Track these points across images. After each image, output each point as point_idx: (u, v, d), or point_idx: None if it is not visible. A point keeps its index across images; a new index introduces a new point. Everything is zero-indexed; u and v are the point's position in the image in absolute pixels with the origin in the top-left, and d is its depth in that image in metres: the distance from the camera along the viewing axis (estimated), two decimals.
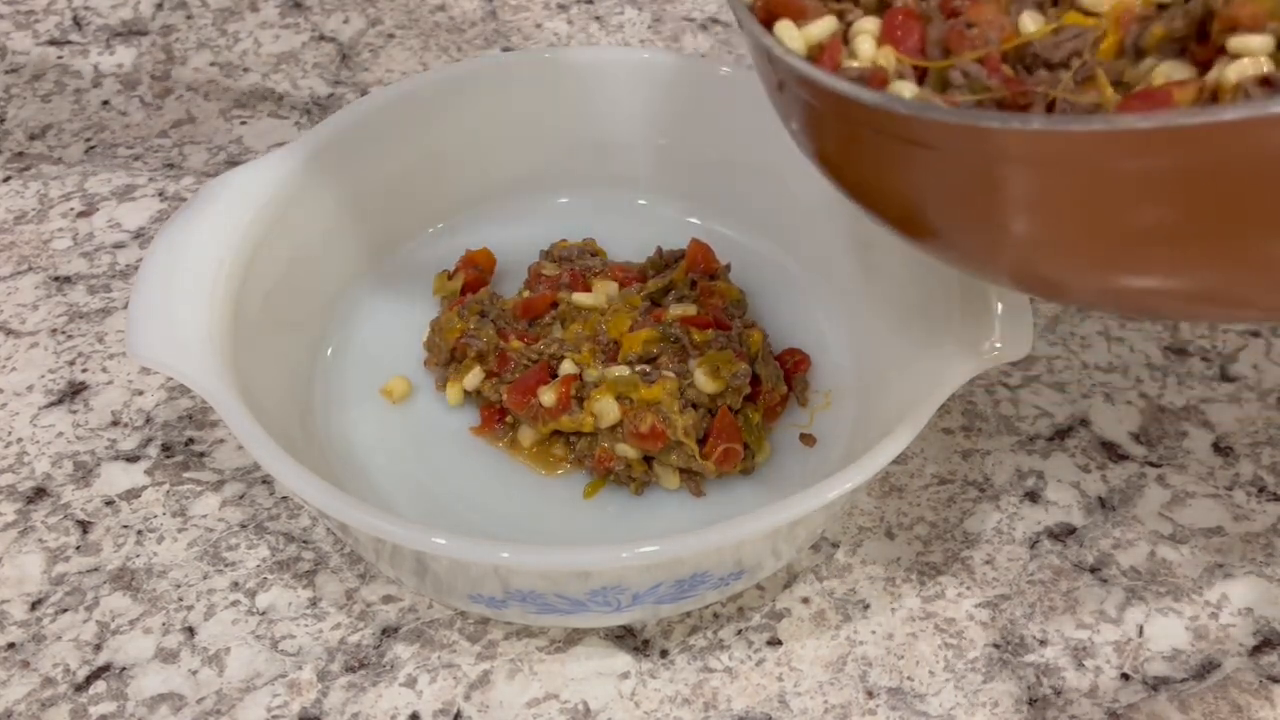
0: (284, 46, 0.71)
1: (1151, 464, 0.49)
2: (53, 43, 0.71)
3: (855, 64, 0.35)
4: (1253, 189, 0.27)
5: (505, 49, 0.70)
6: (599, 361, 0.47)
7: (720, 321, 0.48)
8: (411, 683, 0.42)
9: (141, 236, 0.59)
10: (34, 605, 0.44)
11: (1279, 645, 0.43)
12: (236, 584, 0.44)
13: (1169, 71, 0.32)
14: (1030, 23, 0.35)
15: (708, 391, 0.45)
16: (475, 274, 0.52)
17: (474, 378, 0.47)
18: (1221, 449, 0.49)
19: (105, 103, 0.67)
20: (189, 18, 0.73)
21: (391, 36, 0.72)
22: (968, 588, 0.44)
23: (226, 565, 0.45)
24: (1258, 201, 0.27)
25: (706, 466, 0.45)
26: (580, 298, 0.49)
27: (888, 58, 0.34)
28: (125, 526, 0.46)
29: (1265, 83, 0.30)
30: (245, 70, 0.69)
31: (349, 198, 0.51)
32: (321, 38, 0.72)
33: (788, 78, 0.34)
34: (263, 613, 0.44)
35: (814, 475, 0.44)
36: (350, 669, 0.42)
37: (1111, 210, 0.29)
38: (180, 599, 0.44)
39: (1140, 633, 0.43)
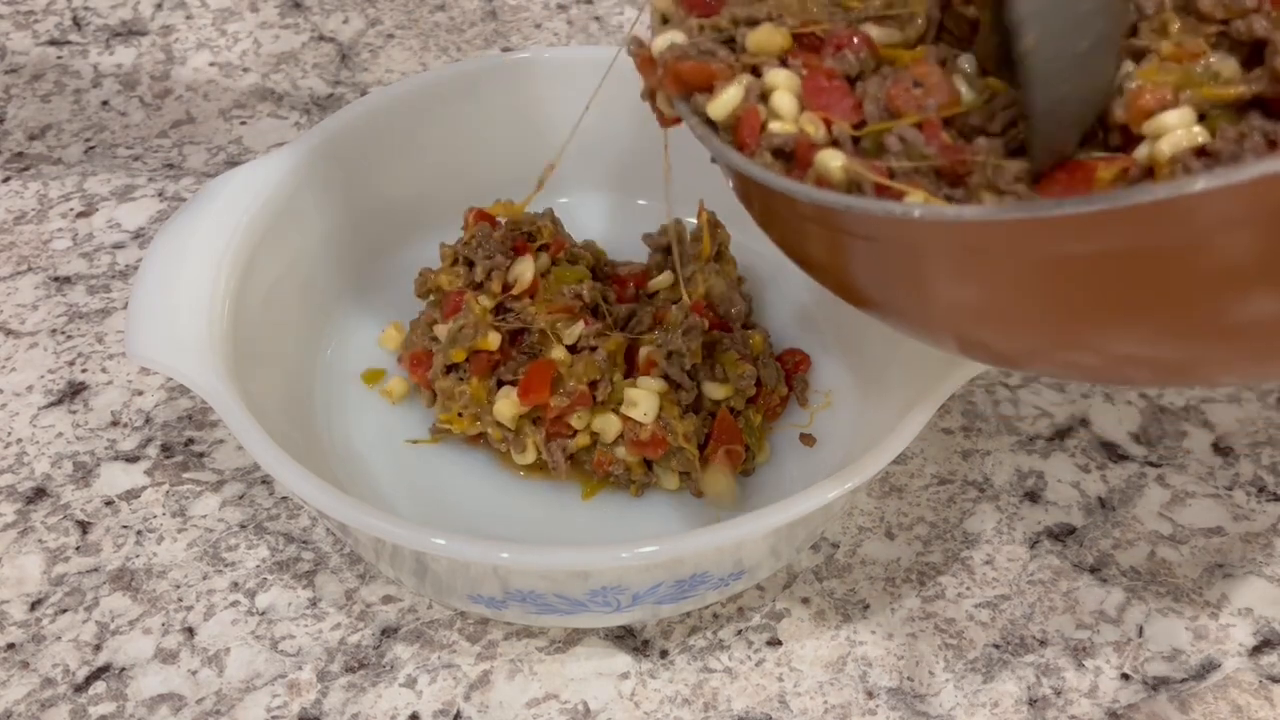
0: (284, 47, 0.71)
1: (1151, 464, 0.49)
2: (52, 43, 0.71)
3: (778, 128, 0.33)
4: (1204, 262, 0.26)
5: (505, 49, 0.70)
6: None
7: (721, 324, 0.48)
8: (411, 683, 0.42)
9: (141, 237, 0.59)
10: (33, 605, 0.44)
11: (1279, 645, 0.43)
12: (236, 584, 0.44)
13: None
14: (965, 90, 0.33)
15: (716, 398, 0.45)
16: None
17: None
18: (1221, 449, 0.49)
19: (105, 103, 0.67)
20: (188, 18, 0.73)
21: (391, 37, 0.72)
22: (968, 588, 0.44)
23: (226, 565, 0.45)
24: (1208, 274, 0.26)
25: (704, 480, 0.45)
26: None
27: (813, 121, 0.33)
28: (125, 527, 0.46)
29: (1202, 153, 0.29)
30: (245, 70, 0.69)
31: (349, 197, 0.51)
32: (321, 38, 0.72)
33: (715, 155, 0.34)
34: (262, 613, 0.44)
35: (814, 475, 0.44)
36: (350, 669, 0.42)
37: (1057, 290, 0.28)
38: (180, 599, 0.44)
39: (1140, 633, 0.43)
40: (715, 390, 0.45)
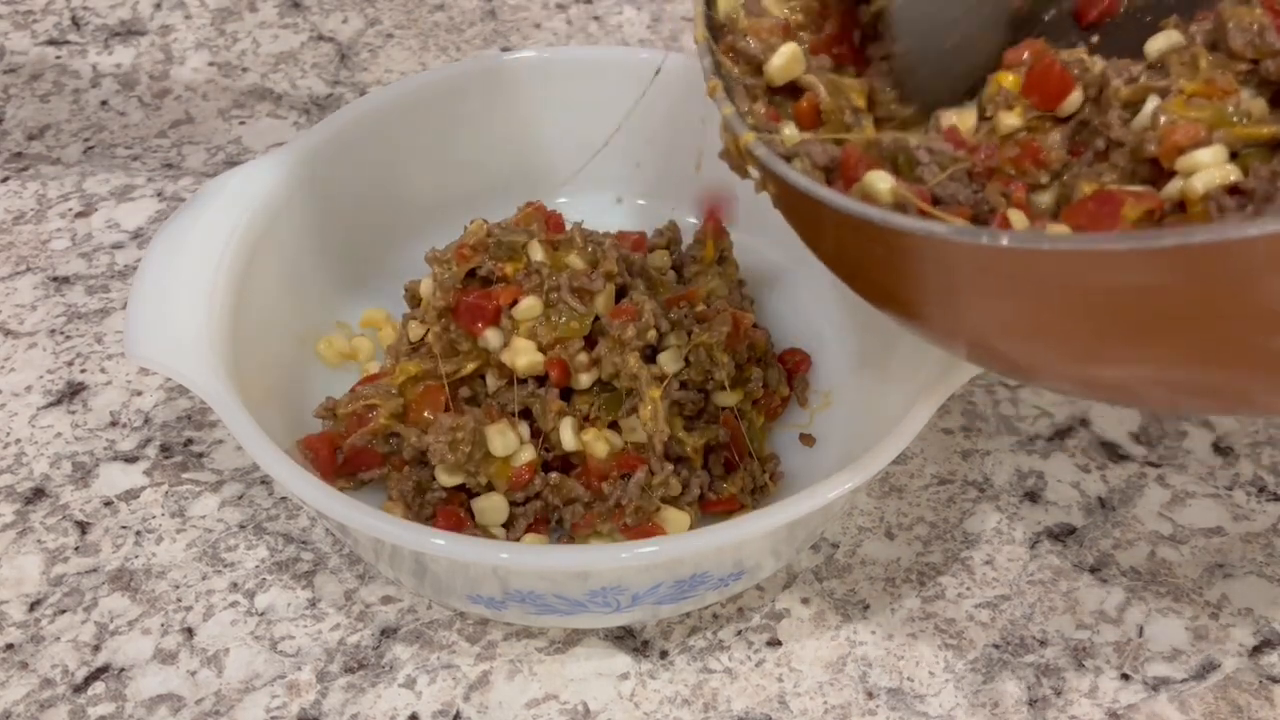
0: (282, 46, 0.71)
1: (1151, 464, 0.49)
2: (51, 43, 0.71)
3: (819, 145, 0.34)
4: (1242, 302, 0.25)
5: (504, 49, 0.70)
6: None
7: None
8: (411, 683, 0.41)
9: (140, 237, 0.59)
10: (32, 606, 0.44)
11: (1279, 645, 0.43)
12: (235, 585, 0.44)
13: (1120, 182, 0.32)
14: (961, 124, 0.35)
15: (727, 405, 0.45)
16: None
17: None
18: (1221, 449, 0.49)
19: (104, 103, 0.67)
20: (187, 18, 0.72)
21: (390, 36, 0.72)
22: (968, 588, 0.44)
23: (225, 566, 0.45)
24: (1248, 311, 0.26)
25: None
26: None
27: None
28: (124, 527, 0.46)
29: (1235, 190, 0.29)
30: (244, 70, 0.69)
31: (348, 197, 0.51)
32: (320, 38, 0.72)
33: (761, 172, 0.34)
34: (262, 613, 0.44)
35: (814, 475, 0.44)
36: (349, 670, 0.42)
37: (1092, 316, 0.28)
38: (179, 600, 0.44)
39: (1140, 633, 0.43)
40: (725, 397, 0.45)
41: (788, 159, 0.33)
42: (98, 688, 0.41)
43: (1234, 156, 0.30)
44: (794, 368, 0.49)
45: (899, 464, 0.48)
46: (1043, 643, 0.43)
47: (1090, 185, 0.33)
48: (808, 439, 0.47)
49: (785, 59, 0.36)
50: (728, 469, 0.45)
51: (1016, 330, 0.30)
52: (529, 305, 0.44)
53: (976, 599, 0.44)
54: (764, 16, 0.37)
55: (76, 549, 0.46)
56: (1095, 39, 0.39)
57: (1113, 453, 0.49)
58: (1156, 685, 0.42)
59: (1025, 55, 0.38)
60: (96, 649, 0.42)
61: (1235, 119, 0.31)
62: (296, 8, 0.74)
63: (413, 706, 0.41)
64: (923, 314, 0.33)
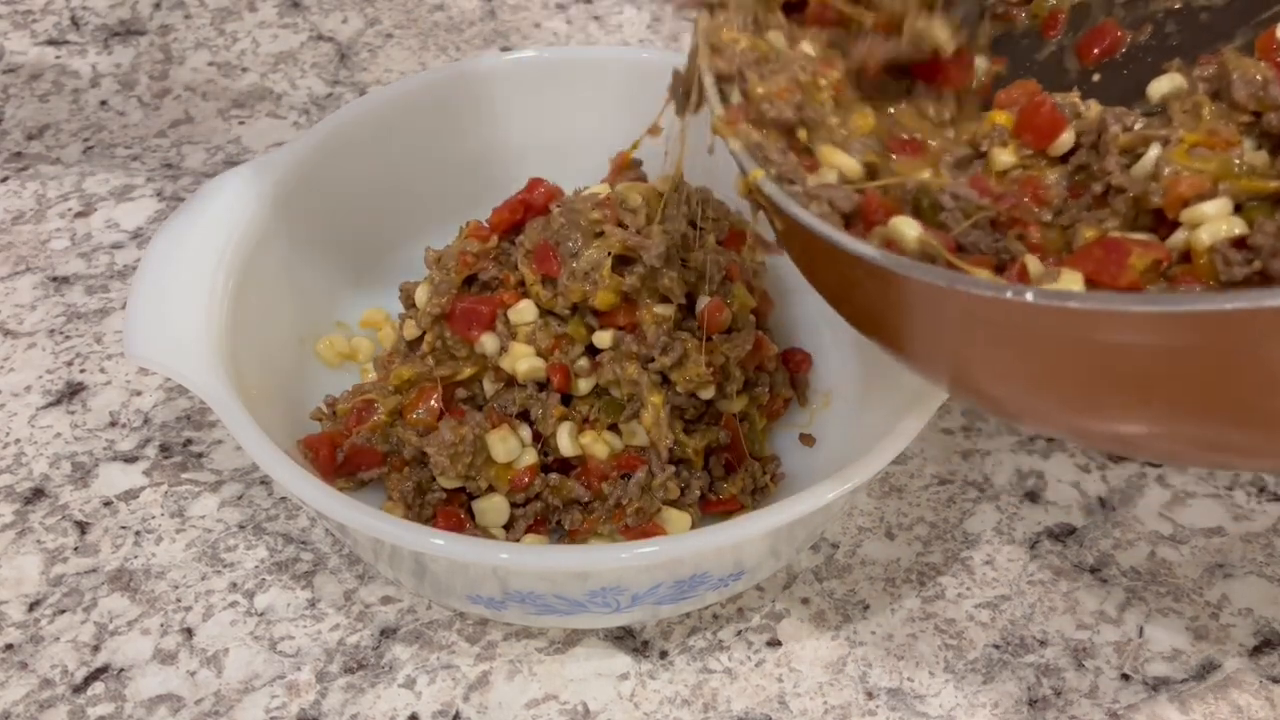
0: (282, 46, 0.71)
1: (1151, 464, 0.49)
2: (50, 42, 0.71)
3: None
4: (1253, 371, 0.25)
5: (504, 49, 0.70)
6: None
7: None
8: (410, 684, 0.41)
9: (140, 237, 0.59)
10: (32, 606, 0.44)
11: (1279, 645, 0.43)
12: (235, 585, 0.44)
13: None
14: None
15: (731, 410, 0.45)
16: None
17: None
18: None
19: (103, 103, 0.67)
20: (187, 17, 0.72)
21: (390, 36, 0.72)
22: (968, 588, 0.44)
23: (225, 566, 0.45)
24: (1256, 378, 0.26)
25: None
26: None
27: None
28: (123, 527, 0.46)
29: (1240, 244, 0.29)
30: (243, 70, 0.69)
31: (347, 197, 0.51)
32: (320, 37, 0.72)
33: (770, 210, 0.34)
34: (261, 614, 0.43)
35: (814, 475, 0.44)
36: (349, 670, 0.42)
37: (1106, 371, 0.28)
38: (178, 600, 0.44)
39: (1140, 633, 0.43)
40: (731, 404, 0.45)
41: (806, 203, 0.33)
42: (97, 688, 0.41)
43: (1238, 209, 0.30)
44: (794, 368, 0.49)
45: (899, 464, 0.48)
46: (1043, 643, 0.43)
47: (1091, 230, 0.33)
48: (808, 439, 0.47)
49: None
50: (728, 470, 0.45)
51: (1018, 378, 0.30)
52: (525, 308, 0.44)
53: (976, 599, 0.44)
54: (776, 73, 0.36)
55: (76, 549, 0.46)
56: (1096, 78, 0.39)
57: (1113, 453, 0.49)
58: (1156, 685, 0.42)
59: (1017, 95, 0.38)
60: (96, 649, 0.42)
61: (1240, 171, 0.31)
62: (296, 8, 0.74)
63: (412, 707, 0.41)
64: (923, 354, 0.33)
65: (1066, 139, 0.36)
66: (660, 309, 0.43)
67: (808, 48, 0.37)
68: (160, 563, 0.45)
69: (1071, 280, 0.30)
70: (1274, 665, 0.42)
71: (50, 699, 0.41)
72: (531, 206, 0.47)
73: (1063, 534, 0.46)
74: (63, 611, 0.44)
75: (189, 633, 0.43)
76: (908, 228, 0.32)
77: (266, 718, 0.41)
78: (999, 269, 0.33)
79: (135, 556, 0.45)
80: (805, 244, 0.33)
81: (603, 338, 0.43)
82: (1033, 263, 0.32)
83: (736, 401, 0.45)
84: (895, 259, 0.30)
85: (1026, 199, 0.35)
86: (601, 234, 0.43)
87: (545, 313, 0.44)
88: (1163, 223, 0.32)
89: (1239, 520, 0.47)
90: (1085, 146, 0.35)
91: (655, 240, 0.42)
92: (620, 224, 0.43)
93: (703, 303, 0.44)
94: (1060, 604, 0.44)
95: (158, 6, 0.73)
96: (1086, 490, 0.48)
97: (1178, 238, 0.30)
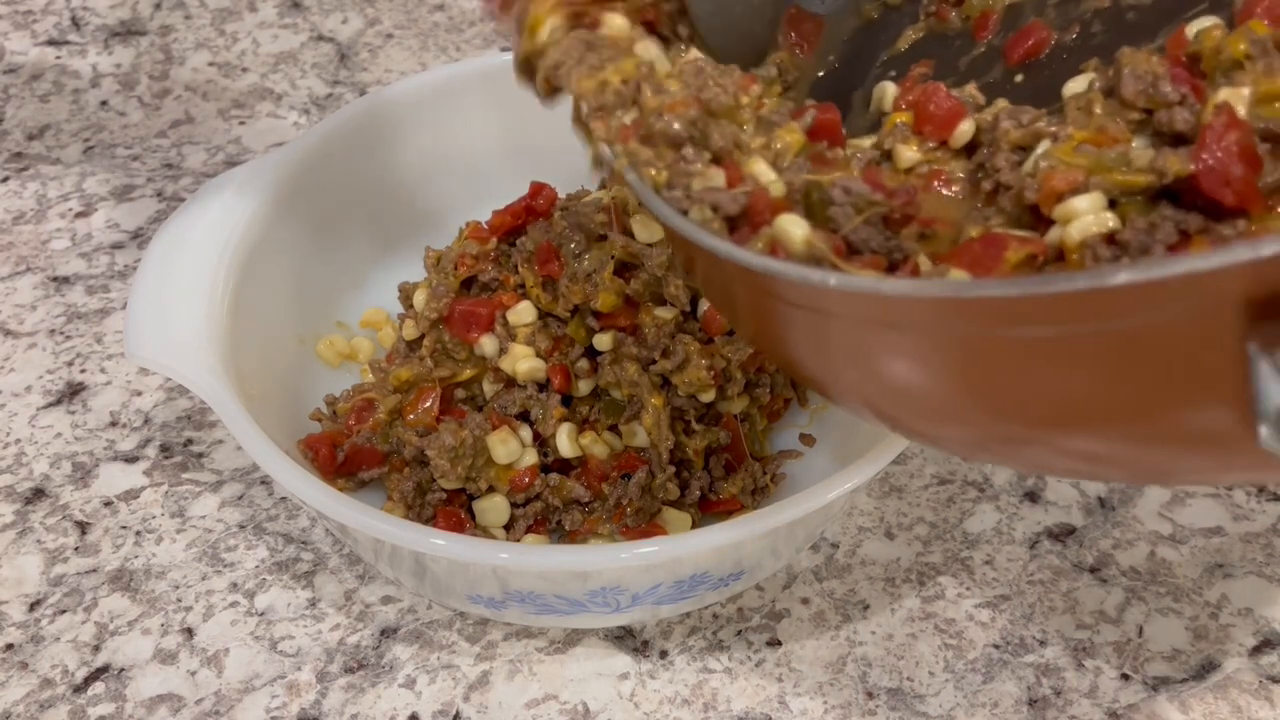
0: (282, 46, 0.71)
1: None
2: (51, 43, 0.71)
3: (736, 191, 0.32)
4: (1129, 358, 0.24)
5: (504, 49, 0.70)
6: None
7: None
8: (410, 684, 0.41)
9: (140, 237, 0.59)
10: (32, 606, 0.44)
11: (1279, 645, 0.43)
12: (235, 585, 0.44)
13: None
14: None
15: (732, 411, 0.45)
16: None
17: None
18: None
19: (104, 103, 0.67)
20: (187, 18, 0.72)
21: (390, 36, 0.72)
22: (968, 588, 0.44)
23: (225, 566, 0.45)
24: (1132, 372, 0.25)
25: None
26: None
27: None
28: (124, 527, 0.46)
29: (1111, 240, 0.29)
30: (244, 70, 0.69)
31: (348, 197, 0.51)
32: (320, 38, 0.72)
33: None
34: (261, 613, 0.44)
35: (814, 475, 0.44)
36: (349, 670, 0.42)
37: (964, 369, 0.27)
38: (179, 600, 0.44)
39: (1140, 632, 0.43)
40: (732, 405, 0.45)
41: (686, 210, 0.32)
42: (98, 688, 0.41)
43: (1114, 206, 0.30)
44: None
45: (899, 464, 0.48)
46: (1043, 643, 0.43)
47: (977, 229, 0.32)
48: (808, 439, 0.47)
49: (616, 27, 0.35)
50: (728, 470, 0.45)
51: (898, 388, 0.29)
52: (524, 310, 0.44)
53: (976, 599, 0.44)
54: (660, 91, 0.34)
55: (76, 549, 0.46)
56: (1019, 78, 0.39)
57: None
58: (1156, 685, 0.42)
59: (917, 95, 0.37)
60: (96, 649, 0.42)
61: (1115, 166, 0.30)
62: (296, 8, 0.74)
63: (412, 706, 0.41)
64: (809, 367, 0.32)
65: (966, 128, 0.35)
66: (661, 312, 0.43)
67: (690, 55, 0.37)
68: (161, 563, 0.45)
69: (958, 277, 0.29)
70: (1274, 665, 0.42)
71: (51, 699, 0.41)
72: (534, 211, 0.47)
73: (1062, 534, 0.46)
74: (63, 611, 0.44)
75: (189, 633, 0.43)
76: (795, 227, 0.30)
77: (267, 718, 0.41)
78: (891, 268, 0.32)
79: (136, 556, 0.45)
80: (680, 249, 0.33)
81: (603, 340, 0.43)
82: (924, 261, 0.31)
83: (737, 402, 0.45)
84: (731, 248, 0.29)
85: (933, 187, 0.34)
86: (604, 238, 0.43)
87: (545, 315, 0.44)
88: (1041, 222, 0.31)
89: (1239, 520, 0.47)
90: (985, 145, 0.35)
91: (658, 248, 0.43)
92: (624, 230, 0.44)
93: (704, 305, 0.44)
94: (1060, 604, 0.44)
95: (158, 7, 0.73)
96: (1086, 490, 0.48)
97: (1055, 234, 0.30)
